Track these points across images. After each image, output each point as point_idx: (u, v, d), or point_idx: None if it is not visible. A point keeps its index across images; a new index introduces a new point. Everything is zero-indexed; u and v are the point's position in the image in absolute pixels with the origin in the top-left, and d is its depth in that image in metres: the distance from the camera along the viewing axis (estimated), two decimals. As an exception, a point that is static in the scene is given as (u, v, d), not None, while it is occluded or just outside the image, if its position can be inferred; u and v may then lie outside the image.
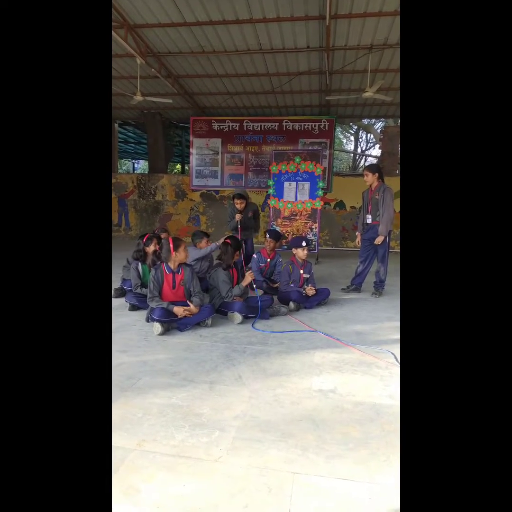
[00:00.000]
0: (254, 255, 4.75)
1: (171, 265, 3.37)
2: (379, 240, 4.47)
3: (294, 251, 4.25)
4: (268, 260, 4.73)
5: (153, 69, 7.17)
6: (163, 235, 4.79)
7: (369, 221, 4.65)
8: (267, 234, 4.73)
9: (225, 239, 3.80)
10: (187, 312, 3.23)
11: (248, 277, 3.62)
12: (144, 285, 3.91)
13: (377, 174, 4.59)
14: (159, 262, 3.47)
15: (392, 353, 2.82)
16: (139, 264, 4.00)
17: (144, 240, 4.12)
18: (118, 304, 3.99)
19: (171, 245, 3.32)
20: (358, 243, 4.85)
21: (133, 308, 3.80)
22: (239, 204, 5.44)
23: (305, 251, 4.16)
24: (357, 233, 4.90)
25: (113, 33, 5.78)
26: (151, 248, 4.05)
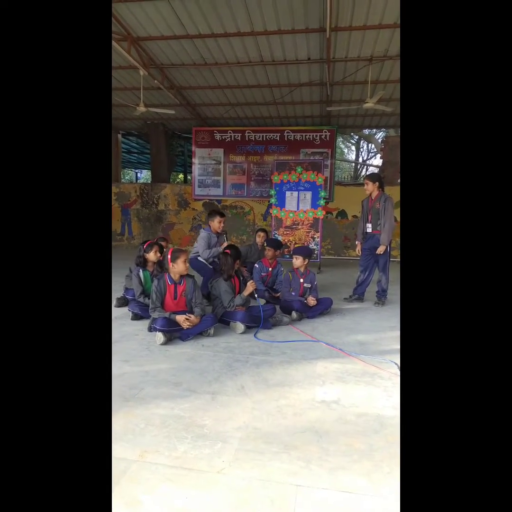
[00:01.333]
0: (256, 265, 4.76)
1: (173, 276, 3.37)
2: (381, 249, 4.47)
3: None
4: (270, 269, 4.74)
5: (156, 81, 7.26)
6: (162, 244, 4.78)
7: (369, 230, 4.65)
8: (265, 243, 4.76)
9: (225, 249, 3.81)
10: (189, 323, 3.22)
11: (250, 287, 3.62)
12: (145, 292, 3.91)
13: (377, 183, 4.60)
14: (162, 272, 3.47)
15: (395, 363, 2.80)
16: (141, 270, 3.99)
17: (144, 246, 4.12)
18: (121, 314, 3.99)
19: (169, 257, 3.32)
20: (359, 252, 4.85)
21: (136, 317, 3.80)
22: (261, 237, 5.51)
23: (298, 261, 4.18)
24: (357, 242, 4.88)
25: (117, 45, 5.87)
26: (151, 255, 4.03)
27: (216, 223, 4.53)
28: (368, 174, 5.07)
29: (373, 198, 4.62)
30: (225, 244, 4.46)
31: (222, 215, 4.59)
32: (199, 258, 4.54)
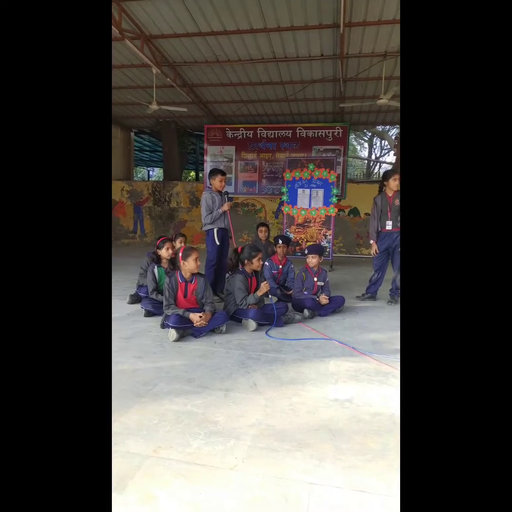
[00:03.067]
0: (266, 263, 4.74)
1: (184, 274, 3.38)
2: None
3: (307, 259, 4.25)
4: (280, 266, 4.74)
5: (168, 79, 7.29)
6: (179, 240, 4.80)
7: (389, 227, 4.55)
8: (279, 240, 4.74)
9: (240, 247, 3.82)
10: (203, 322, 3.22)
11: (264, 288, 3.61)
12: (159, 288, 3.94)
13: None
14: (173, 270, 3.49)
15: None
16: (156, 267, 4.02)
17: (157, 242, 4.14)
18: (134, 310, 4.03)
19: (180, 255, 3.34)
20: (376, 252, 4.69)
21: (149, 314, 3.83)
22: (263, 232, 5.60)
23: (315, 259, 4.15)
24: (371, 242, 4.72)
25: (129, 43, 5.90)
26: (163, 252, 4.05)
27: (217, 182, 4.53)
28: (396, 169, 5.02)
29: (391, 195, 4.56)
30: (226, 206, 4.46)
31: (223, 173, 4.59)
32: (209, 232, 4.55)
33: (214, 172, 4.61)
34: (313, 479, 1.56)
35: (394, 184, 4.53)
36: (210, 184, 4.62)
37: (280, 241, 4.71)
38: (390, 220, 4.56)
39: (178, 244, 4.87)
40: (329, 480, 1.55)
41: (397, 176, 4.54)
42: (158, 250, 4.08)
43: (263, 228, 5.67)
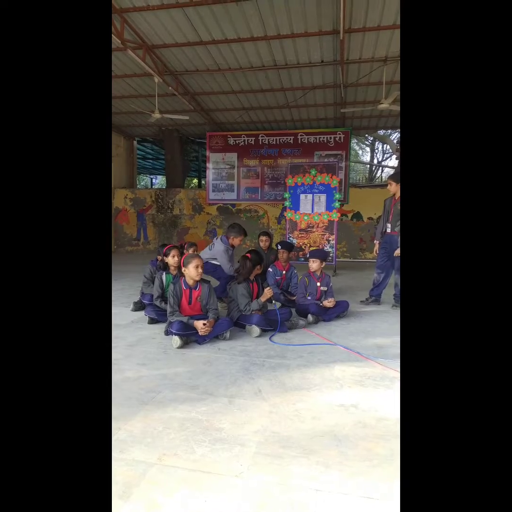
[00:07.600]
0: (270, 269, 4.75)
1: (187, 280, 3.38)
2: (399, 252, 4.42)
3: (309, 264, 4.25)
4: (284, 272, 4.74)
5: (170, 87, 7.36)
6: (192, 249, 4.80)
7: (388, 230, 4.61)
8: (278, 245, 4.74)
9: (247, 253, 3.81)
10: (207, 329, 3.21)
11: (267, 293, 3.59)
12: (164, 295, 3.93)
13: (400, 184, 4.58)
14: (179, 276, 3.48)
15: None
16: (164, 273, 4.02)
17: (164, 250, 4.13)
18: (137, 318, 4.03)
19: (182, 261, 3.34)
20: (376, 252, 4.81)
21: (152, 321, 3.83)
22: (264, 241, 5.52)
23: (315, 264, 4.14)
24: (375, 242, 4.87)
25: (132, 53, 5.97)
26: (169, 259, 4.04)
27: (238, 241, 4.58)
28: (392, 175, 5.05)
29: (396, 198, 4.60)
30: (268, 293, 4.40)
31: (246, 234, 4.71)
32: (210, 261, 4.53)
33: (239, 231, 4.57)
34: (319, 486, 1.54)
35: (389, 187, 4.65)
36: (227, 238, 4.57)
37: (280, 247, 4.72)
38: (389, 222, 4.61)
39: (191, 253, 4.87)
40: (335, 487, 1.54)
41: (389, 181, 4.71)
42: (164, 258, 4.08)
43: (264, 238, 5.57)
